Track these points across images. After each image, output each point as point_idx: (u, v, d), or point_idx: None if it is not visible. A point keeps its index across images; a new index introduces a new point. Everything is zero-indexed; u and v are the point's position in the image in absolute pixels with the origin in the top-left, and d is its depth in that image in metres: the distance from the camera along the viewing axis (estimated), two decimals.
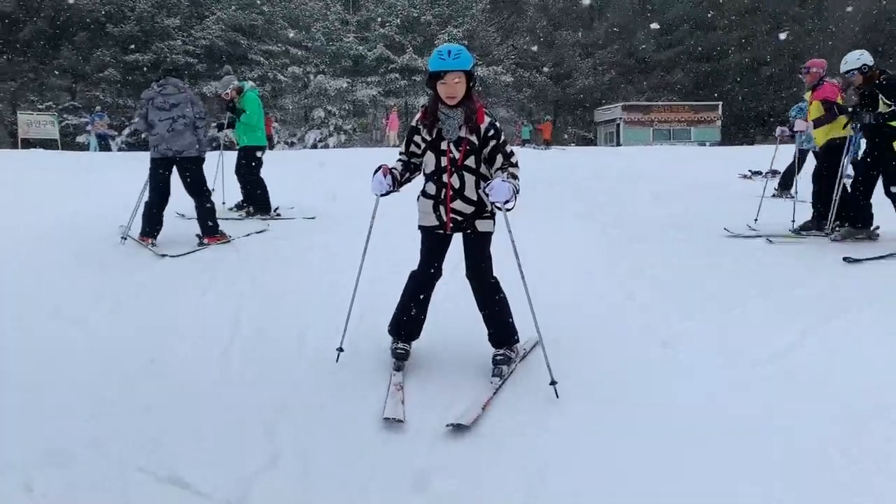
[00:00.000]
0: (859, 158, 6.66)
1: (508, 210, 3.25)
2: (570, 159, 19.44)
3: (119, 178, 9.42)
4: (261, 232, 7.20)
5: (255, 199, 8.25)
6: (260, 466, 2.66)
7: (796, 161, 8.65)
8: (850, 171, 6.95)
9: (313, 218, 8.01)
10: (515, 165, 3.32)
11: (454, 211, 3.38)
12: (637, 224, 7.54)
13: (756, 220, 7.53)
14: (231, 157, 8.78)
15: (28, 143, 22.18)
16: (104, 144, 21.85)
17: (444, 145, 3.31)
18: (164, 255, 6.01)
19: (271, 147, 12.44)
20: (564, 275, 5.17)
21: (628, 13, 42.91)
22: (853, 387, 3.24)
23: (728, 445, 2.78)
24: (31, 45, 31.77)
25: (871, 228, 6.33)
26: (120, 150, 24.55)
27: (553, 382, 3.22)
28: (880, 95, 5.90)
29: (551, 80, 42.35)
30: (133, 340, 4.10)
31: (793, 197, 8.27)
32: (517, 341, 3.58)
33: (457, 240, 3.52)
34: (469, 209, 3.38)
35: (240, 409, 3.15)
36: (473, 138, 3.29)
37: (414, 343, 3.61)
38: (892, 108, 5.83)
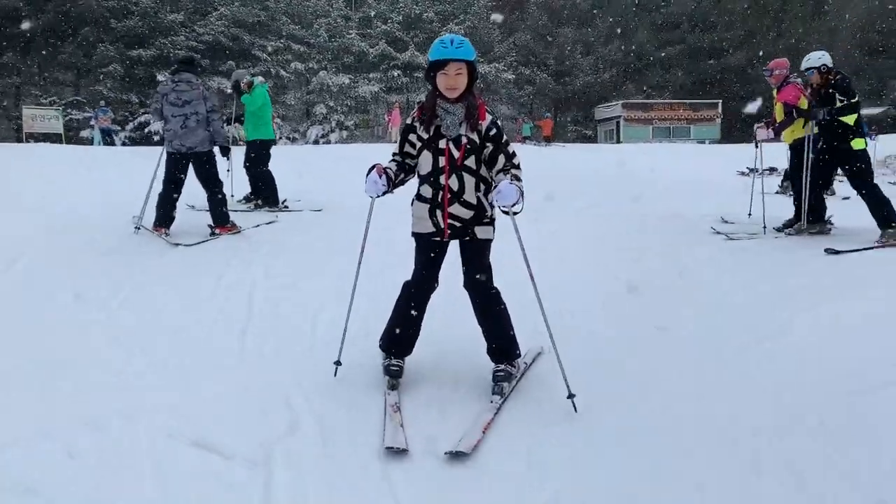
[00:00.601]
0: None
1: (516, 213, 3.01)
2: (569, 155, 19.61)
3: (125, 173, 9.54)
4: (270, 223, 7.40)
5: (263, 192, 8.46)
6: (281, 432, 2.86)
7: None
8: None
9: (320, 210, 8.25)
10: (518, 167, 3.09)
11: (452, 216, 3.12)
12: (635, 219, 7.72)
13: (749, 214, 7.73)
14: (239, 150, 8.98)
15: (33, 138, 22.30)
16: (108, 139, 22.00)
17: (442, 144, 3.08)
18: (177, 245, 6.19)
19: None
20: (564, 275, 5.06)
21: (629, 13, 43.03)
22: (843, 367, 3.28)
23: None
24: (36, 41, 31.85)
25: (824, 221, 6.59)
26: (123, 144, 24.71)
27: (571, 395, 2.97)
28: (836, 93, 6.18)
29: (552, 77, 42.53)
30: (153, 322, 4.31)
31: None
32: (519, 355, 3.32)
33: (453, 247, 3.28)
34: (468, 214, 3.13)
35: (259, 382, 3.35)
36: (474, 136, 3.07)
37: (407, 358, 3.32)
38: (845, 102, 6.11)
